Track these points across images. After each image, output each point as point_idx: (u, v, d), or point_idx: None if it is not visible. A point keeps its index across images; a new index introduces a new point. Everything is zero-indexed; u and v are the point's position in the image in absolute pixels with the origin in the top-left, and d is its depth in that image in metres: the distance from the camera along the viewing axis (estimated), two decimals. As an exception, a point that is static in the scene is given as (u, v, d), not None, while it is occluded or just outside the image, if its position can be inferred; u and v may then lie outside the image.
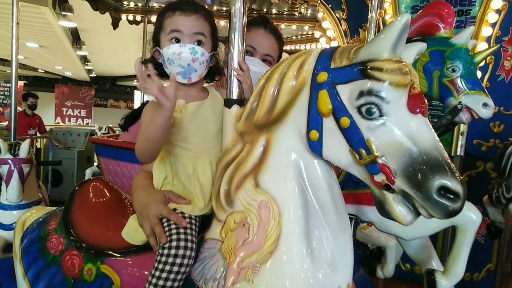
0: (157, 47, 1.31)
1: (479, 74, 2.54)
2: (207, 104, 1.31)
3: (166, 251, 1.15)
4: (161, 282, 1.12)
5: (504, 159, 2.56)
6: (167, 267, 1.13)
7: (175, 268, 1.13)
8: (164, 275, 1.13)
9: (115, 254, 1.33)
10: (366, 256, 2.69)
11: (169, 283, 1.13)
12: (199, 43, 1.28)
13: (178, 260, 1.13)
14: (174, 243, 1.16)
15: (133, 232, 1.32)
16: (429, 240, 2.14)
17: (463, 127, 3.14)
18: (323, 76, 0.99)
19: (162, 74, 1.31)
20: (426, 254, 2.11)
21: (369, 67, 0.92)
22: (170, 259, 1.13)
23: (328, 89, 0.98)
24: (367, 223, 2.48)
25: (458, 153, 3.16)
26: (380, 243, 2.47)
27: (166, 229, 1.20)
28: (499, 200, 2.50)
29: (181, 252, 1.14)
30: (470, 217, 1.80)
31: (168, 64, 1.27)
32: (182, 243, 1.15)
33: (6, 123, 7.71)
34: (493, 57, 3.14)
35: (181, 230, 1.19)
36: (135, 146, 1.23)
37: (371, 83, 0.91)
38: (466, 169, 3.29)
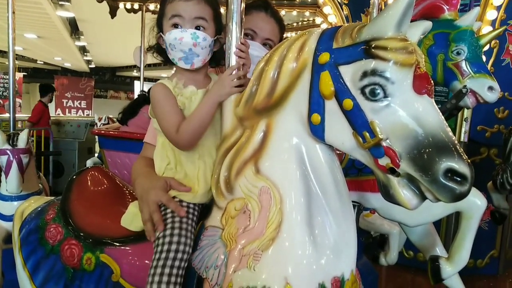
0: (161, 33, 1.30)
1: (483, 58, 2.49)
2: None
3: (161, 240, 1.15)
4: (159, 270, 1.11)
5: (509, 145, 2.54)
6: (163, 255, 1.12)
7: (171, 255, 1.12)
8: (160, 262, 1.11)
9: (115, 243, 1.32)
10: (369, 244, 2.68)
11: (167, 270, 1.11)
12: (201, 27, 1.26)
13: (173, 246, 1.13)
14: (168, 231, 1.15)
15: (130, 218, 1.31)
16: (433, 227, 2.12)
17: (467, 113, 3.11)
18: (324, 57, 0.96)
19: (166, 60, 1.31)
20: (430, 241, 2.10)
21: (373, 46, 0.88)
22: (166, 247, 1.13)
23: (330, 70, 0.95)
24: (370, 210, 2.47)
25: (462, 139, 3.14)
26: (383, 230, 2.46)
27: (164, 217, 1.20)
28: (503, 186, 2.48)
29: (175, 239, 1.13)
30: (475, 202, 1.78)
31: (170, 49, 1.27)
32: (176, 231, 1.15)
33: (6, 114, 7.68)
34: (497, 41, 3.09)
35: (176, 219, 1.18)
36: (179, 136, 1.20)
37: (375, 63, 0.88)
38: (470, 155, 3.23)
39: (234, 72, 1.20)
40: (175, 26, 1.25)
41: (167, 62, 1.32)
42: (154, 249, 1.16)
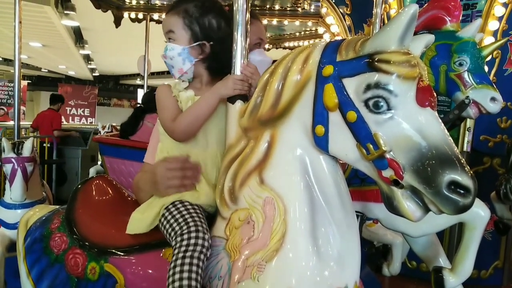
0: None
1: (485, 68, 2.51)
2: None
3: (179, 238, 1.11)
4: (185, 267, 1.05)
5: (512, 155, 2.53)
6: (186, 248, 1.08)
7: (196, 249, 1.08)
8: (186, 260, 1.06)
9: (119, 253, 1.31)
10: (372, 254, 2.66)
11: (193, 268, 1.06)
12: (170, 40, 1.32)
13: (196, 242, 1.09)
14: (185, 229, 1.12)
15: (134, 224, 1.29)
16: (436, 237, 2.11)
17: (469, 123, 3.11)
18: (328, 70, 0.97)
19: None
20: (433, 251, 2.09)
21: (376, 59, 0.90)
22: (188, 242, 1.09)
23: (334, 83, 0.96)
24: (373, 220, 2.46)
25: (465, 149, 3.14)
26: (386, 241, 2.45)
27: (176, 217, 1.17)
28: (507, 196, 2.47)
29: (200, 234, 1.10)
30: (479, 213, 1.77)
31: None
32: (193, 228, 1.12)
33: (11, 122, 7.74)
34: (499, 51, 3.11)
35: (190, 220, 1.15)
36: (176, 129, 1.25)
37: (378, 76, 0.89)
38: (473, 165, 3.26)
39: (240, 77, 1.23)
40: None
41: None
42: (174, 248, 1.11)
